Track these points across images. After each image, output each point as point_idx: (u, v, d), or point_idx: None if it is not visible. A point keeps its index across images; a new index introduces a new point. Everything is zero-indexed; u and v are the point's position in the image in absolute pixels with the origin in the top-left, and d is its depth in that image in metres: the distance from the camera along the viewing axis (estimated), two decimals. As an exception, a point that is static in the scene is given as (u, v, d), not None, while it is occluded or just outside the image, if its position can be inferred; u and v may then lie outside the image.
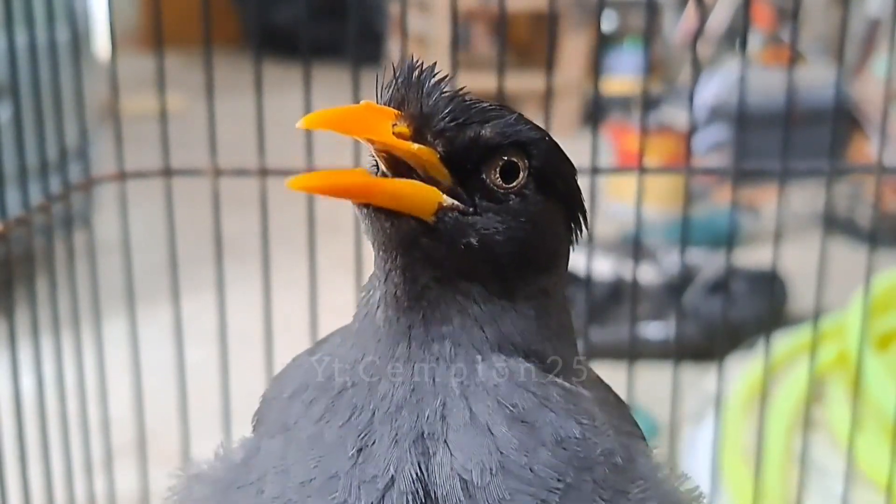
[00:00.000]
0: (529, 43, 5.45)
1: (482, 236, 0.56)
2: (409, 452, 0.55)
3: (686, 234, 1.41)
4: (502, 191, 0.57)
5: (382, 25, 5.80)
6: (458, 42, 1.39)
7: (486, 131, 0.56)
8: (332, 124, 0.53)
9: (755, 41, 3.94)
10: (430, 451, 0.55)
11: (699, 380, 2.01)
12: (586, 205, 0.64)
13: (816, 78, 3.46)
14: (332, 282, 1.62)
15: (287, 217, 1.58)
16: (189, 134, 1.84)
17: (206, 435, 1.49)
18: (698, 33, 3.09)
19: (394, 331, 0.57)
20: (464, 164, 0.56)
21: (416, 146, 0.54)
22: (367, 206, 0.55)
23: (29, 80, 1.28)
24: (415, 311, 0.57)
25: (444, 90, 0.56)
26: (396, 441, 0.55)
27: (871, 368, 1.71)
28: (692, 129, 2.58)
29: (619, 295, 2.56)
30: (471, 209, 0.56)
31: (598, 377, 0.69)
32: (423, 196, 0.55)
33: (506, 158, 0.57)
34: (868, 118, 3.63)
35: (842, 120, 3.43)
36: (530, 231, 0.58)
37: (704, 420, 1.90)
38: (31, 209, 1.26)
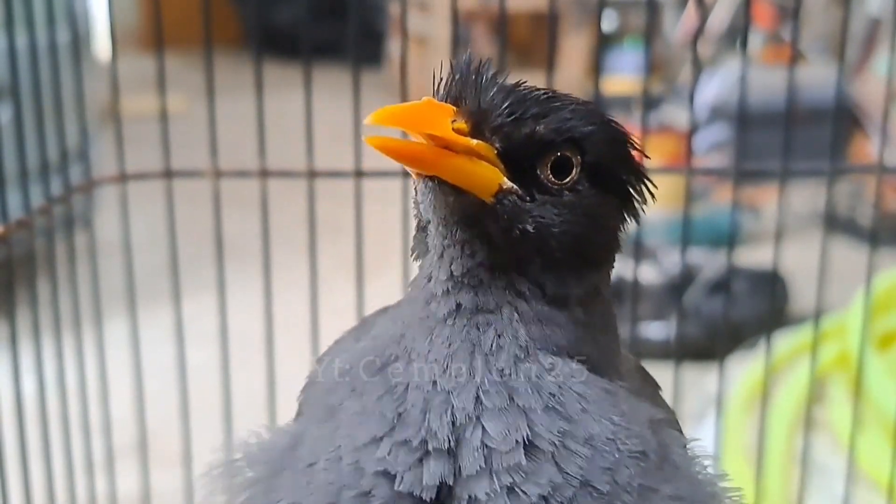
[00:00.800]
0: (530, 43, 5.45)
1: (538, 224, 0.57)
2: (442, 424, 0.55)
3: (687, 233, 1.40)
4: (556, 186, 0.58)
5: (383, 25, 5.80)
6: (459, 42, 1.39)
7: (541, 128, 0.57)
8: (396, 121, 0.54)
9: (756, 40, 3.93)
10: (462, 426, 0.55)
11: (700, 380, 2.00)
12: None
13: (817, 77, 3.46)
14: (333, 283, 1.62)
15: (288, 218, 1.58)
16: (190, 134, 1.84)
17: (208, 435, 1.49)
18: (699, 33, 3.09)
19: (442, 310, 0.58)
20: (519, 160, 0.57)
21: (474, 142, 0.55)
22: (432, 178, 0.55)
23: (29, 82, 1.28)
24: (465, 291, 0.57)
25: (501, 85, 0.57)
26: (429, 412, 0.56)
27: (872, 368, 1.71)
28: (693, 129, 2.58)
29: (620, 295, 2.56)
30: (527, 197, 0.57)
31: (637, 364, 0.70)
32: (486, 176, 0.56)
33: (558, 154, 0.58)
34: (869, 117, 3.63)
35: (843, 119, 3.43)
36: (585, 225, 0.58)
37: (705, 420, 1.90)
38: (32, 211, 1.26)
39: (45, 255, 1.36)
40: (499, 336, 0.57)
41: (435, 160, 0.54)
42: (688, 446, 0.63)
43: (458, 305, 0.57)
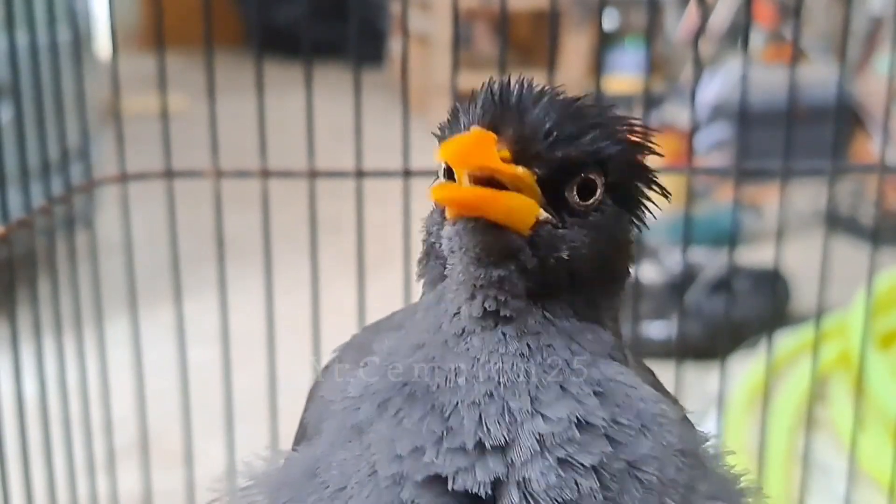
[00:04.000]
0: (531, 42, 5.45)
1: (572, 249, 0.58)
2: (500, 425, 0.56)
3: (688, 232, 1.40)
4: (581, 208, 0.59)
5: (384, 25, 5.80)
6: (460, 41, 1.39)
7: (574, 150, 0.58)
8: (457, 157, 0.55)
9: (757, 39, 3.93)
10: (520, 421, 0.56)
11: (701, 379, 2.00)
12: None
13: (819, 76, 3.45)
14: (334, 282, 1.62)
15: (289, 217, 1.58)
16: (190, 134, 1.84)
17: (209, 435, 1.50)
18: (700, 31, 3.09)
19: (479, 341, 0.58)
20: (552, 184, 0.58)
21: (520, 170, 0.56)
22: (472, 218, 0.56)
23: (30, 81, 1.28)
24: (503, 322, 0.58)
25: (540, 111, 0.57)
26: (486, 418, 0.56)
27: (873, 367, 1.71)
28: (694, 128, 2.58)
29: (621, 294, 2.56)
30: (560, 224, 0.58)
31: (643, 364, 0.71)
32: (526, 210, 0.57)
33: (583, 176, 0.59)
34: (870, 116, 3.63)
35: (844, 118, 3.43)
36: (611, 244, 0.61)
37: (707, 419, 1.89)
38: (33, 211, 1.26)
39: (46, 255, 1.37)
40: (544, 349, 0.58)
41: (486, 203, 0.55)
42: (709, 442, 0.64)
43: (502, 334, 0.58)
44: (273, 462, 0.65)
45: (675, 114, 3.81)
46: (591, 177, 0.59)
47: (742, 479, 0.64)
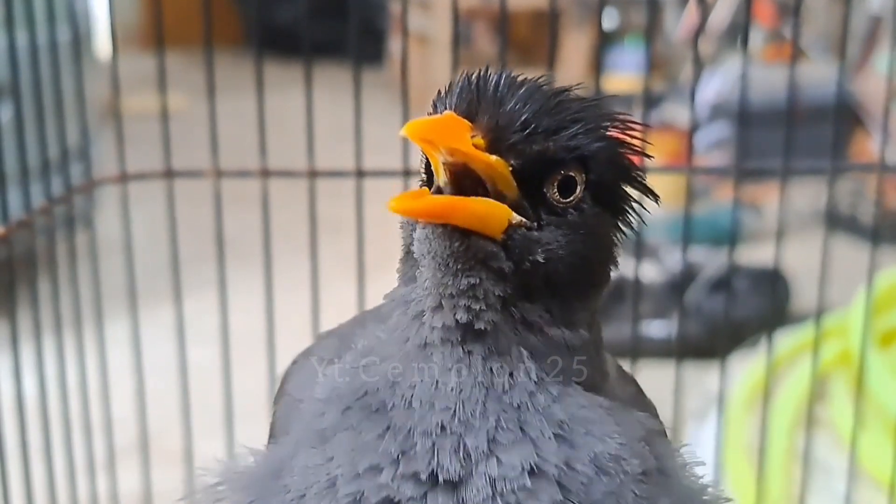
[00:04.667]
0: (531, 41, 5.45)
1: (548, 252, 0.56)
2: (453, 460, 0.55)
3: (688, 232, 1.40)
4: (560, 206, 0.57)
5: (384, 24, 5.80)
6: (460, 40, 1.39)
7: (552, 145, 0.56)
8: (420, 134, 0.53)
9: (757, 38, 3.93)
10: (476, 461, 0.55)
11: (702, 378, 2.00)
12: None
13: (818, 75, 3.46)
14: (334, 282, 1.62)
15: (289, 217, 1.58)
16: (190, 133, 1.84)
17: (209, 435, 1.49)
18: (700, 30, 3.09)
19: (446, 358, 0.56)
20: (530, 178, 0.56)
21: (493, 158, 0.55)
22: (440, 224, 0.54)
23: (30, 81, 1.28)
24: (472, 337, 0.56)
25: (514, 95, 0.56)
26: (439, 450, 0.55)
27: (873, 366, 1.71)
28: (694, 127, 2.58)
29: (622, 293, 2.56)
30: (535, 224, 0.56)
31: (621, 370, 0.69)
32: (496, 215, 0.55)
33: (563, 173, 0.57)
34: (870, 115, 3.63)
35: (844, 117, 3.43)
36: (590, 245, 0.58)
37: (707, 418, 1.89)
38: (33, 211, 1.26)
39: (46, 255, 1.37)
40: (511, 376, 0.56)
41: (451, 211, 0.54)
42: (679, 453, 0.62)
43: (467, 352, 0.56)
44: (243, 460, 0.63)
45: (675, 113, 3.81)
46: (572, 174, 0.57)
47: (708, 490, 0.62)
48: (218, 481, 0.63)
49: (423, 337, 0.57)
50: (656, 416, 0.67)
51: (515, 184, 0.56)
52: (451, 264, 0.55)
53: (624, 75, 4.43)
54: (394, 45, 5.70)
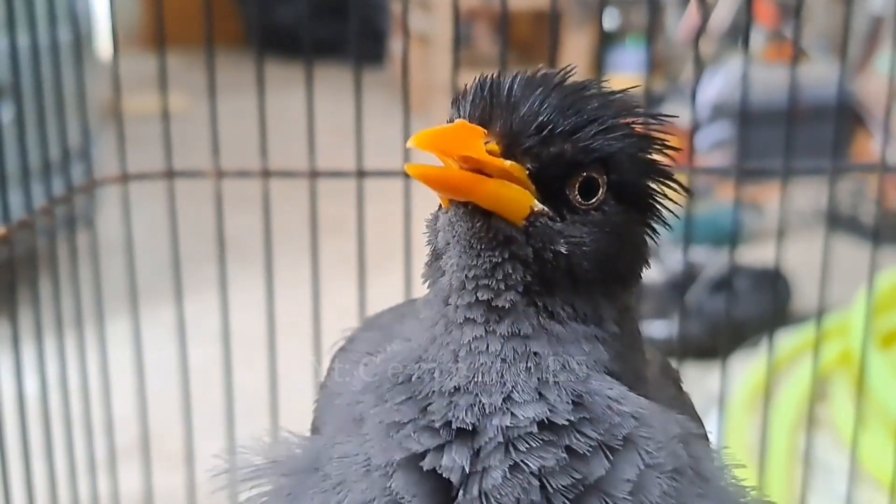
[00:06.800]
0: (531, 41, 5.45)
1: (570, 244, 0.56)
2: (469, 413, 0.55)
3: (689, 232, 1.40)
4: (583, 207, 0.57)
5: (384, 24, 5.80)
6: (460, 40, 1.39)
7: (569, 147, 0.56)
8: (434, 145, 0.53)
9: (758, 38, 3.93)
10: (489, 414, 0.55)
11: (703, 378, 2.00)
12: None
13: (819, 75, 3.45)
14: (335, 282, 1.62)
15: (290, 217, 1.58)
16: (191, 133, 1.84)
17: (210, 435, 1.49)
18: (701, 30, 3.09)
19: (468, 337, 0.57)
20: (549, 180, 0.56)
21: (507, 163, 0.55)
22: (462, 204, 0.55)
23: (31, 81, 1.28)
24: (496, 317, 0.56)
25: (533, 103, 0.55)
26: (455, 405, 0.56)
27: (874, 366, 1.71)
28: (695, 127, 2.58)
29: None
30: (557, 217, 0.56)
31: (664, 368, 0.69)
32: (518, 199, 0.55)
33: (584, 175, 0.57)
34: (871, 115, 3.62)
35: (845, 117, 3.42)
36: (614, 243, 0.58)
37: (708, 419, 1.89)
38: (34, 212, 1.26)
39: (48, 255, 1.37)
40: (534, 354, 0.56)
41: (471, 185, 0.54)
42: (717, 456, 0.62)
43: (489, 331, 0.56)
44: (286, 446, 0.64)
45: (676, 113, 3.81)
46: (593, 175, 0.57)
47: (749, 492, 0.61)
48: (260, 464, 0.63)
49: (449, 317, 0.58)
50: (697, 419, 0.66)
51: (534, 187, 0.56)
52: (474, 244, 0.56)
53: (625, 75, 4.43)
54: (394, 45, 5.70)
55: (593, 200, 0.57)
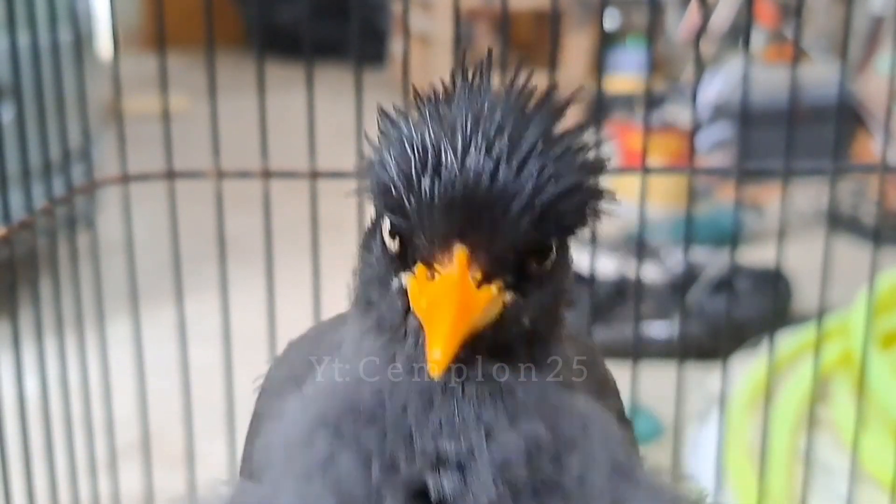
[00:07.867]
0: (532, 41, 5.45)
1: (532, 316, 0.56)
2: (451, 441, 0.55)
3: (690, 232, 1.41)
4: (538, 273, 0.56)
5: (385, 24, 5.80)
6: (461, 41, 1.39)
7: (538, 233, 0.54)
8: (455, 323, 0.52)
9: (758, 39, 3.93)
10: (474, 441, 0.55)
11: (703, 379, 2.00)
12: None
13: (820, 75, 3.45)
14: (336, 282, 1.62)
15: (290, 217, 1.58)
16: (192, 134, 1.84)
17: (211, 435, 1.50)
18: (701, 31, 3.09)
19: (433, 395, 0.56)
20: (520, 263, 0.55)
21: (493, 291, 0.54)
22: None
23: (32, 82, 1.28)
24: (457, 384, 0.56)
25: (515, 217, 0.53)
26: (441, 431, 0.55)
27: (875, 367, 1.70)
28: (695, 128, 2.58)
29: (623, 294, 2.56)
30: (522, 296, 0.56)
31: (588, 348, 0.69)
32: (496, 305, 0.54)
33: (541, 246, 0.56)
34: (872, 116, 3.62)
35: (845, 118, 3.43)
36: (563, 296, 0.59)
37: (709, 419, 1.89)
38: (35, 212, 1.26)
39: (48, 256, 1.37)
40: (502, 390, 0.56)
41: (468, 325, 0.53)
42: (641, 455, 0.64)
43: (457, 382, 0.56)
44: (213, 499, 0.62)
45: (677, 113, 3.81)
46: (549, 244, 0.56)
47: (678, 489, 0.63)
48: None
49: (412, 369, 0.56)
50: (622, 407, 0.68)
51: (509, 276, 0.55)
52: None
53: (625, 76, 4.43)
54: (395, 45, 5.70)
55: (546, 262, 0.56)
